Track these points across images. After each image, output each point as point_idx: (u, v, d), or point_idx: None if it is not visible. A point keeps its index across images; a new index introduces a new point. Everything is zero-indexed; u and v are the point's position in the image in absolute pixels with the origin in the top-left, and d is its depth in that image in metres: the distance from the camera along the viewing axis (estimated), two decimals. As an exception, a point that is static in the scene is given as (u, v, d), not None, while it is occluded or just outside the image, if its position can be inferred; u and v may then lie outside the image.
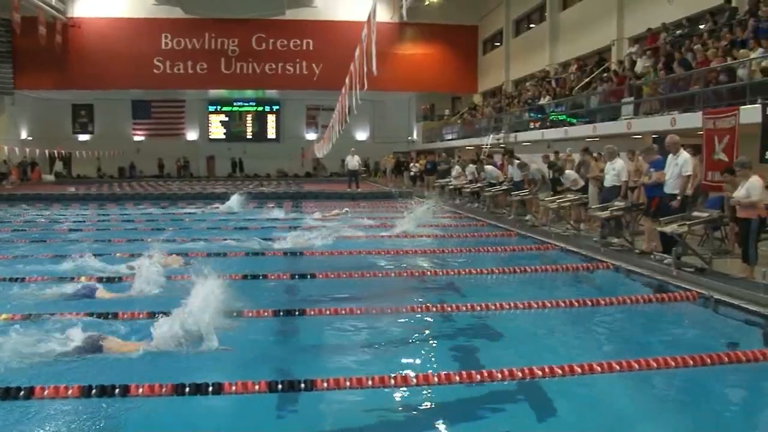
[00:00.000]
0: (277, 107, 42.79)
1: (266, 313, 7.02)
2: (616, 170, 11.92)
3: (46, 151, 35.68)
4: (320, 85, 35.92)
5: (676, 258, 8.98)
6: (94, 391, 4.77)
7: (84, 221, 16.76)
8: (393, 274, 9.62)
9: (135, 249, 10.65)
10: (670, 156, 10.09)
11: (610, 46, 23.63)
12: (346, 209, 18.28)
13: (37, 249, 11.66)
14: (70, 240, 12.75)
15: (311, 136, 41.67)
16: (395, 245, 12.09)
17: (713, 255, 9.16)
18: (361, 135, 42.48)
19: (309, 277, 9.15)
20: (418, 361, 5.78)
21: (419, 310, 7.42)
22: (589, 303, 7.64)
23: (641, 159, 11.92)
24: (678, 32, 18.12)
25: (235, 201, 19.60)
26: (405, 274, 9.77)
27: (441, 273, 9.95)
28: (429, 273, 10.05)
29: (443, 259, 11.17)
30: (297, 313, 7.12)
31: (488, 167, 19.75)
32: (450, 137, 34.64)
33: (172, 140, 41.60)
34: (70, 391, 4.75)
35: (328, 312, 7.20)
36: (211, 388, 4.84)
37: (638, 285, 9.00)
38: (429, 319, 7.23)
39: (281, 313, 7.06)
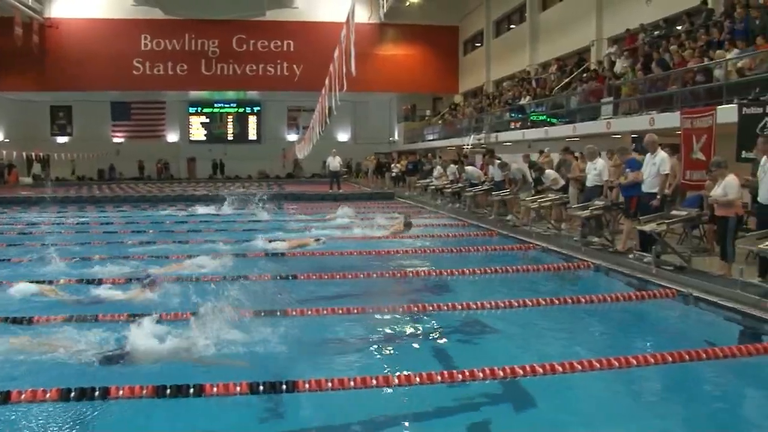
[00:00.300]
0: (258, 108, 42.59)
1: (247, 314, 6.98)
2: (597, 170, 12.00)
3: (24, 154, 35.21)
4: (301, 86, 35.83)
5: (655, 256, 9.06)
6: (73, 394, 4.69)
7: (74, 222, 16.58)
8: (375, 275, 9.60)
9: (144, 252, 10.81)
10: (648, 155, 10.19)
11: (590, 46, 23.81)
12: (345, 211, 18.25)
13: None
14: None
15: (292, 137, 41.55)
16: (378, 246, 12.08)
17: (692, 253, 9.26)
18: (343, 136, 42.44)
19: (290, 278, 9.12)
20: (399, 362, 5.77)
21: (401, 310, 7.41)
22: (570, 302, 7.70)
23: (618, 157, 12.03)
24: (656, 33, 18.30)
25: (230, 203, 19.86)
26: (387, 274, 9.76)
27: (423, 273, 9.97)
28: (411, 273, 10.06)
29: (425, 259, 11.18)
30: (278, 313, 7.09)
31: (469, 168, 19.84)
32: (431, 138, 34.70)
33: (153, 142, 41.24)
34: (48, 395, 4.68)
35: (309, 312, 7.17)
36: (192, 390, 4.79)
37: (618, 283, 9.09)
38: (411, 319, 7.24)
39: (262, 314, 7.02)
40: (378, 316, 7.15)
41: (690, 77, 13.82)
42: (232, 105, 42.44)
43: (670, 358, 5.52)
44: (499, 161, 17.24)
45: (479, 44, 36.02)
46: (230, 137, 42.51)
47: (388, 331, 6.76)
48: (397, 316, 7.26)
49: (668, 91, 14.48)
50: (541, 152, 18.05)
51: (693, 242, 9.88)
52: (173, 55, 36.68)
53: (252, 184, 35.28)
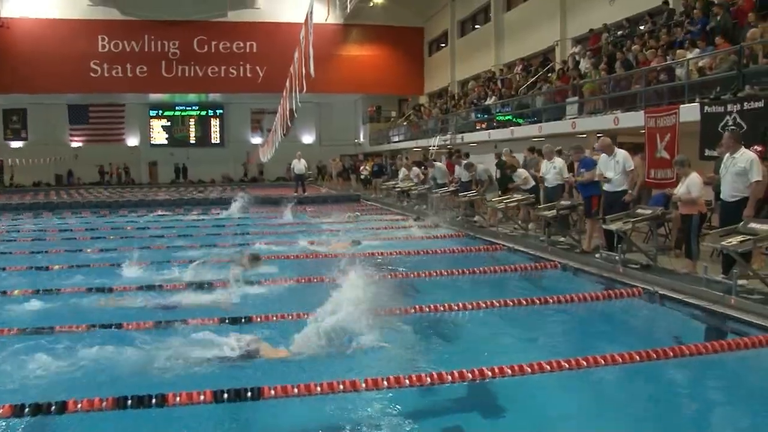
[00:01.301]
0: (221, 111, 42.04)
1: (211, 321, 6.80)
2: (557, 168, 12.02)
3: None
4: (265, 88, 35.42)
5: (621, 255, 9.08)
6: (27, 409, 4.46)
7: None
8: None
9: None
10: (604, 156, 10.15)
11: (554, 46, 24.01)
12: (357, 213, 18.06)
13: None
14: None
15: (257, 140, 41.09)
16: (344, 249, 11.92)
17: (658, 251, 9.31)
18: (308, 138, 42.12)
19: (255, 284, 8.92)
20: (367, 366, 5.65)
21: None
22: (537, 302, 7.66)
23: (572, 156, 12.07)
24: (619, 33, 18.51)
25: (235, 207, 20.23)
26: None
27: (389, 276, 9.83)
28: (378, 276, 9.90)
29: (391, 261, 11.06)
30: (243, 321, 6.91)
31: (436, 164, 19.97)
32: (397, 139, 34.65)
33: (113, 146, 40.41)
34: (0, 411, 4.44)
35: (274, 318, 7.03)
36: (154, 401, 4.60)
37: (586, 282, 9.10)
38: (377, 322, 7.08)
39: (227, 321, 6.85)
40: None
41: (653, 76, 13.96)
42: (193, 108, 41.82)
43: (638, 357, 5.51)
44: (465, 162, 17.22)
45: (444, 45, 36.13)
46: (192, 141, 41.87)
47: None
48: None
49: (632, 90, 14.60)
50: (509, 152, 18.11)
51: (658, 240, 9.93)
52: (132, 57, 36.05)
53: (216, 188, 34.94)
